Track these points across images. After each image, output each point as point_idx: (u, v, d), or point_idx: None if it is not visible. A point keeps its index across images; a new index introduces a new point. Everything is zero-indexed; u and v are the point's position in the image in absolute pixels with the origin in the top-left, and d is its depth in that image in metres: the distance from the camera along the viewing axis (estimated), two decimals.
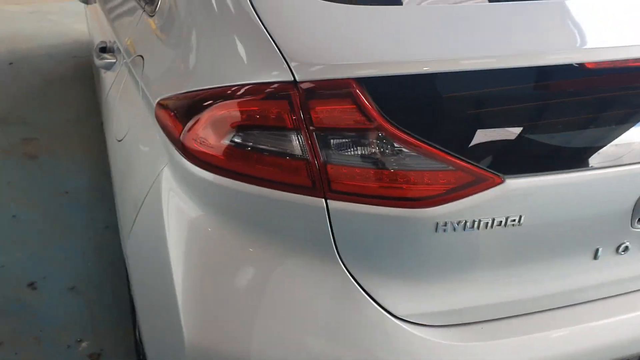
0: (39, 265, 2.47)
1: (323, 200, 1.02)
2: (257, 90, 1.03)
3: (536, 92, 1.06)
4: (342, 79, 0.98)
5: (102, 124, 2.87)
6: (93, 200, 2.93)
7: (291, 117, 1.01)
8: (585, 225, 1.12)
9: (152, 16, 1.50)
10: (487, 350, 1.11)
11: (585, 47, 1.06)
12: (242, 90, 1.04)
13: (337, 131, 1.00)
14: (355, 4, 1.09)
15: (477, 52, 1.02)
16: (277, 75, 1.01)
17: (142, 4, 1.64)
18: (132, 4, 1.80)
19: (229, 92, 1.05)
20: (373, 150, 1.00)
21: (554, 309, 1.18)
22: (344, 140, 1.01)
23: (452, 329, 1.12)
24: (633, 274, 1.23)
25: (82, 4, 2.79)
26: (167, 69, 1.27)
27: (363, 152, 1.00)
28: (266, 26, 1.06)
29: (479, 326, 1.14)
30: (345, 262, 1.08)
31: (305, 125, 1.00)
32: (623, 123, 1.08)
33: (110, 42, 1.87)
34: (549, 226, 1.09)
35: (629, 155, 1.08)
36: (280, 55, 1.01)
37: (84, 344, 2.07)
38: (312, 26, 1.07)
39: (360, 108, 0.99)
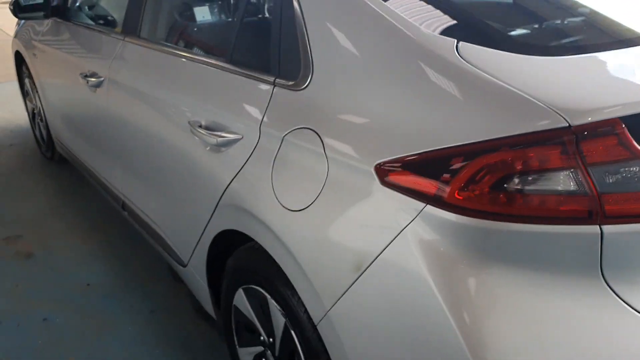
0: None
1: (598, 226, 1.17)
2: (529, 139, 1.16)
3: None
4: (608, 120, 1.15)
5: (123, 204, 2.76)
6: (120, 287, 2.79)
7: (568, 158, 1.15)
8: None
9: (301, 90, 1.56)
10: None
11: None
12: (510, 141, 1.17)
13: (607, 164, 1.16)
14: (593, 53, 1.30)
15: None
16: (549, 124, 1.14)
17: (266, 79, 1.69)
18: (229, 77, 1.85)
19: (494, 144, 1.18)
20: (637, 175, 1.17)
21: None
22: (613, 171, 1.16)
23: None
24: None
25: None
26: (378, 134, 1.35)
27: (629, 178, 1.17)
28: (515, 86, 1.21)
29: None
30: (606, 278, 1.22)
31: (580, 163, 1.15)
32: None
33: (207, 120, 1.88)
34: None
35: None
36: (545, 107, 1.16)
37: None
38: (570, 79, 1.24)
39: (624, 142, 1.15)
